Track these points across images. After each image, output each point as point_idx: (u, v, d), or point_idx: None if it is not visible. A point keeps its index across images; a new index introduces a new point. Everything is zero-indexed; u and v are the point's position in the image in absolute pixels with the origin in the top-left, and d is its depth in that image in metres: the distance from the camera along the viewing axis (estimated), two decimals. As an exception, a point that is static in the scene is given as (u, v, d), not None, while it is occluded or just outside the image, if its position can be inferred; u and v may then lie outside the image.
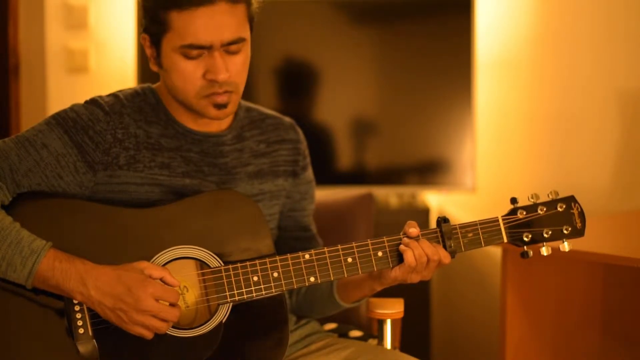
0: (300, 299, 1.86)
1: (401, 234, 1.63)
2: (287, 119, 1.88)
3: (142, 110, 1.70)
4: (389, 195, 3.24)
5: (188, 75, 1.61)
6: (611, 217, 2.78)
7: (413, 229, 1.62)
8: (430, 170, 3.17)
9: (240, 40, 1.61)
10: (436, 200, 3.36)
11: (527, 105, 3.24)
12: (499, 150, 3.28)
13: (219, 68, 1.59)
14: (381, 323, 1.85)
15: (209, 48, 1.59)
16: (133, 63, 3.22)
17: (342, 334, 1.95)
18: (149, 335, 1.51)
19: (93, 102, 1.67)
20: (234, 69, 1.62)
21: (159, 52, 1.64)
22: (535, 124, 3.23)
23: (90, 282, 1.49)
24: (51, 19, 3.33)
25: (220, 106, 1.63)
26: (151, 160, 1.67)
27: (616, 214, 2.91)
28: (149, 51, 1.68)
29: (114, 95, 1.70)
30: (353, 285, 1.75)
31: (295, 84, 3.25)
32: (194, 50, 1.59)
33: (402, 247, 1.61)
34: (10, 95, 3.35)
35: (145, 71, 3.12)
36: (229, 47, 1.60)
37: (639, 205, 2.99)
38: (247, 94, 1.98)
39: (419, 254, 1.59)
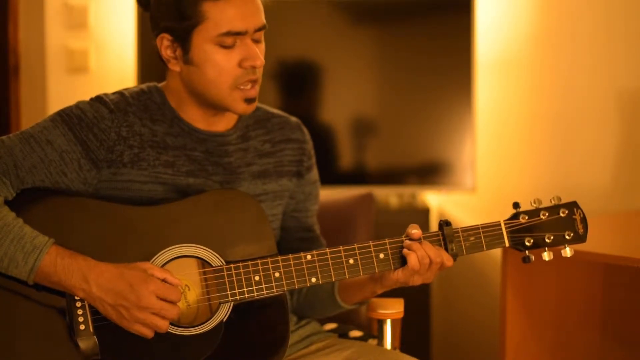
0: (302, 299, 1.86)
1: (403, 236, 1.63)
2: (294, 119, 1.88)
3: (148, 109, 1.70)
4: (389, 195, 3.24)
5: (224, 65, 1.62)
6: (611, 217, 2.78)
7: (416, 231, 1.62)
8: (430, 171, 3.17)
9: (265, 28, 1.66)
10: (436, 201, 3.36)
11: (527, 105, 3.24)
12: (499, 150, 3.28)
13: (256, 54, 1.63)
14: (381, 323, 1.85)
15: (244, 34, 1.62)
16: (133, 63, 3.22)
17: (342, 334, 1.94)
18: (149, 334, 1.52)
19: (98, 100, 1.67)
20: (261, 58, 1.66)
21: (187, 48, 1.63)
22: (535, 124, 3.23)
23: (92, 279, 1.49)
24: (51, 19, 3.33)
25: (251, 100, 1.66)
26: (155, 158, 1.67)
27: (616, 214, 2.91)
28: (168, 52, 1.66)
29: (120, 93, 1.70)
30: (355, 286, 1.75)
31: (295, 84, 3.24)
32: (230, 37, 1.61)
33: (405, 250, 1.60)
34: (10, 95, 3.35)
35: (145, 71, 3.12)
36: (256, 34, 1.65)
37: (639, 205, 2.99)
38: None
39: (422, 256, 1.59)
